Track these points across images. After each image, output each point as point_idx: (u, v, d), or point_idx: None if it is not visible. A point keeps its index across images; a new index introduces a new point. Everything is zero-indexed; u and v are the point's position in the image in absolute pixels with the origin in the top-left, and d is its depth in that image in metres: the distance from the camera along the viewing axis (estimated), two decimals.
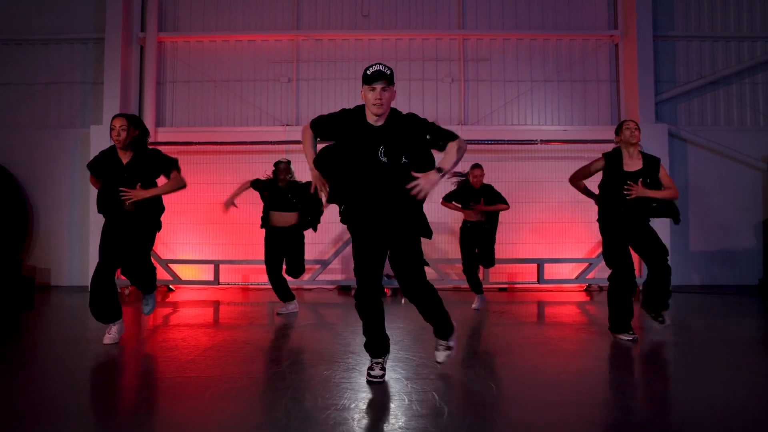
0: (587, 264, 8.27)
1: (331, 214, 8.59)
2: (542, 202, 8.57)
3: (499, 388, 3.13)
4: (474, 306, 6.28)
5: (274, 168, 6.04)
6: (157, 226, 4.52)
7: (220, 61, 9.26)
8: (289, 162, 6.06)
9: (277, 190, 5.90)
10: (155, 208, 4.45)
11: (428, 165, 3.14)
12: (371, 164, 3.08)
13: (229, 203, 6.00)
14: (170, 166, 4.46)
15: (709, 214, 8.97)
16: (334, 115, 3.23)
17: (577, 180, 4.77)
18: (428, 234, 3.25)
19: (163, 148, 8.65)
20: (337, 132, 3.21)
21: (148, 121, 8.91)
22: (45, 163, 9.01)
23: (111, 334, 4.23)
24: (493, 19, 9.23)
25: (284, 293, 5.94)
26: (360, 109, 3.18)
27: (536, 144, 8.47)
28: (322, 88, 9.19)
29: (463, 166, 7.31)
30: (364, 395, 2.98)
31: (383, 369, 3.27)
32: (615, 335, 4.42)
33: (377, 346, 3.29)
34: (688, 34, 9.16)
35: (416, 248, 3.19)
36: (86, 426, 2.53)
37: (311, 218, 5.93)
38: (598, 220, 4.59)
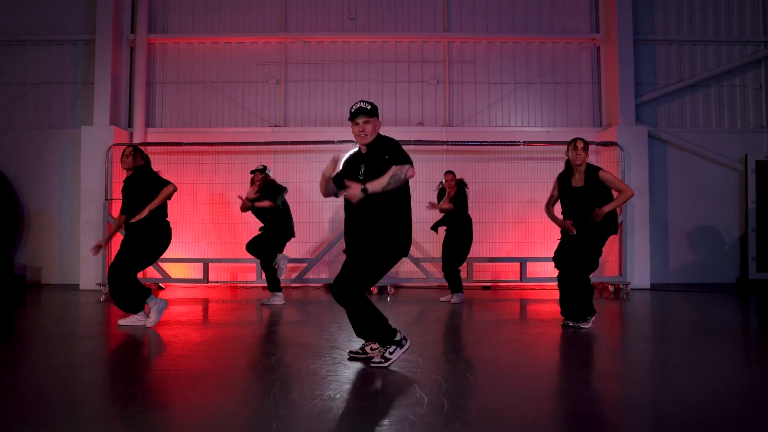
0: None
1: (318, 213, 8.75)
2: (525, 201, 8.78)
3: (477, 380, 3.31)
4: (450, 300, 6.82)
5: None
6: (146, 240, 4.97)
7: (209, 63, 9.38)
8: (265, 167, 6.59)
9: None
10: (147, 222, 4.92)
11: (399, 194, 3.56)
12: (352, 181, 3.44)
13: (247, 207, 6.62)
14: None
15: (687, 214, 9.24)
16: (343, 165, 3.78)
17: (548, 207, 5.15)
18: (388, 250, 3.52)
19: (152, 149, 8.86)
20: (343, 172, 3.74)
21: (138, 121, 9.01)
22: (36, 163, 9.08)
23: (151, 317, 5.02)
24: (477, 22, 9.43)
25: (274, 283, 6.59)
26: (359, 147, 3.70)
27: (519, 145, 8.67)
28: (309, 90, 9.33)
29: (455, 169, 7.52)
30: (349, 386, 3.14)
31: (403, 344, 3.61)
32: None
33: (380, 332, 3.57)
34: (668, 38, 9.43)
35: (365, 263, 3.48)
36: (80, 419, 2.64)
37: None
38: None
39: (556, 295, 7.89)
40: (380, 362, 3.51)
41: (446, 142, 8.77)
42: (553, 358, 4.03)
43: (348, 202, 3.52)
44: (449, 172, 6.82)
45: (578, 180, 4.82)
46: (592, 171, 4.78)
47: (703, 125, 9.42)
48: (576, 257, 4.82)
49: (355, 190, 3.30)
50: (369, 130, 3.50)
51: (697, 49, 9.48)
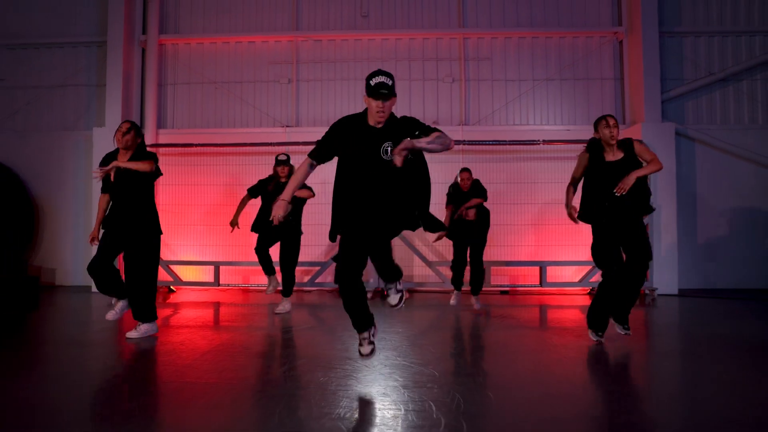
0: (591, 267, 8.14)
1: (330, 215, 8.53)
2: (544, 203, 8.48)
3: (498, 400, 3.06)
4: (452, 302, 6.58)
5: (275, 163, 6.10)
6: (153, 234, 4.67)
7: (221, 63, 9.24)
8: (288, 157, 6.12)
9: (281, 186, 5.81)
10: (147, 214, 4.65)
11: (421, 164, 3.41)
12: (374, 162, 3.28)
13: (235, 223, 6.21)
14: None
15: (717, 216, 8.84)
16: (329, 132, 3.42)
17: (571, 185, 4.63)
18: (417, 225, 3.43)
19: (164, 150, 8.74)
20: (338, 143, 3.38)
21: (150, 122, 8.92)
22: (50, 165, 9.06)
23: (115, 311, 4.66)
24: (493, 17, 9.15)
25: (268, 268, 6.15)
26: (360, 115, 3.39)
27: (538, 144, 8.38)
28: (321, 89, 9.14)
29: (472, 169, 7.27)
30: (360, 404, 2.93)
31: (372, 343, 3.49)
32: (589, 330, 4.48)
33: (362, 321, 3.50)
34: (696, 29, 9.01)
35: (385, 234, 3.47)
36: None
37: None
38: (579, 217, 4.43)
39: (577, 300, 7.69)
40: (399, 297, 3.71)
41: (462, 142, 8.52)
42: (581, 376, 3.75)
43: (361, 187, 3.33)
44: (465, 170, 6.42)
45: (614, 155, 4.31)
46: (626, 143, 4.32)
47: (734, 121, 9.00)
48: (630, 248, 4.24)
49: (406, 142, 3.07)
50: (388, 108, 3.27)
51: (727, 41, 9.07)
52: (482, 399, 3.05)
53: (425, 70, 9.13)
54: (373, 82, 3.21)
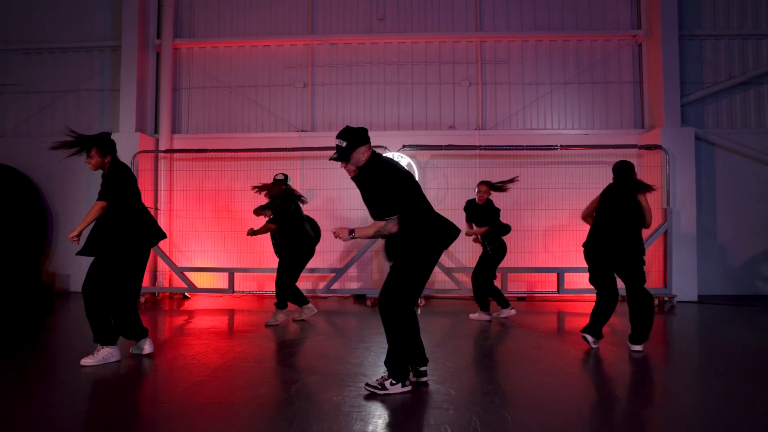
0: None
1: (346, 222, 8.48)
2: (562, 209, 8.34)
3: (517, 422, 2.97)
4: (473, 317, 6.45)
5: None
6: (107, 250, 4.19)
7: (235, 67, 9.22)
8: (286, 176, 6.08)
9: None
10: (106, 229, 4.20)
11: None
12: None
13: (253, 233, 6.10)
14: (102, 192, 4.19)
15: (738, 221, 8.64)
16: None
17: (586, 215, 5.02)
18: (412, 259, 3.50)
19: (178, 155, 8.73)
20: None
21: (164, 127, 8.92)
22: (63, 171, 9.03)
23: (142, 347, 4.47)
24: (511, 20, 9.02)
25: (300, 299, 6.16)
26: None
27: (556, 149, 8.23)
28: (337, 93, 9.08)
29: (489, 175, 7.15)
30: (373, 428, 2.85)
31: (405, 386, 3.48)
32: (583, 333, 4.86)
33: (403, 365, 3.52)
34: (716, 32, 8.84)
35: (397, 275, 3.48)
36: None
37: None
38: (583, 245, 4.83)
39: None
40: (376, 387, 3.43)
41: (479, 147, 8.40)
42: (604, 395, 3.65)
43: None
44: (483, 183, 6.25)
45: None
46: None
47: (755, 126, 8.79)
48: (621, 274, 4.68)
49: (343, 233, 3.46)
50: (351, 170, 3.51)
51: (748, 44, 8.86)
52: (499, 421, 2.95)
53: (442, 73, 9.02)
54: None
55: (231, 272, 7.98)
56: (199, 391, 3.50)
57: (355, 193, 5.58)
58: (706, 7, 8.88)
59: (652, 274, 7.86)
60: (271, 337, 5.43)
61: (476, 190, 6.28)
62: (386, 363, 3.50)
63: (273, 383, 3.78)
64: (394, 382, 3.42)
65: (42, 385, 3.66)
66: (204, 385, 3.63)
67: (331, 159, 3.51)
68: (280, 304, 6.01)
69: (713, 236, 8.64)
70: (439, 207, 4.16)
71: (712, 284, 8.53)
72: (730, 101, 8.85)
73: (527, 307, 7.55)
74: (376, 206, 3.44)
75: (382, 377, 3.52)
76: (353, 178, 3.56)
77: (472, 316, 6.41)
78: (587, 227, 4.92)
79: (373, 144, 8.23)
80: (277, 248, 6.06)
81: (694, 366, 4.39)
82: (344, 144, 3.41)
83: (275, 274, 6.05)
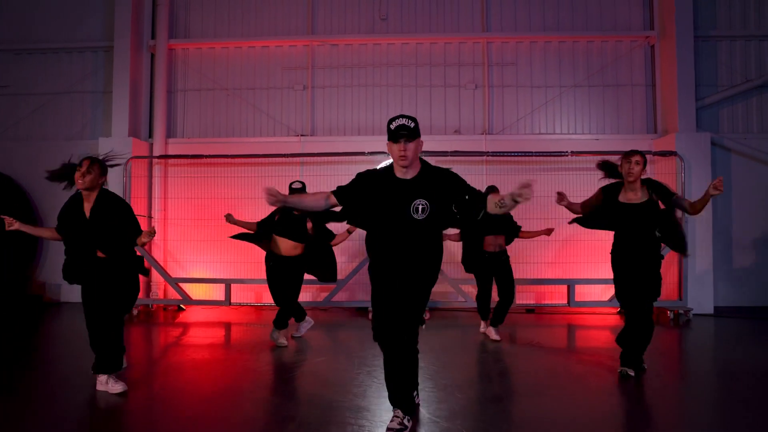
0: None
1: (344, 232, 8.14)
2: (572, 218, 7.99)
3: None
4: (482, 330, 6.10)
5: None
6: (130, 284, 4.13)
7: (233, 69, 8.89)
8: (303, 185, 5.53)
9: (291, 216, 5.45)
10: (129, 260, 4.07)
11: (448, 221, 3.17)
12: (401, 220, 3.05)
13: (233, 221, 5.82)
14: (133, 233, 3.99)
15: (756, 230, 8.32)
16: (354, 182, 3.21)
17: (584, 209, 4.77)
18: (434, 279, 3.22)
19: (173, 161, 8.41)
20: (362, 196, 3.16)
21: (159, 132, 8.60)
22: None
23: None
24: (518, 20, 8.69)
25: (298, 314, 5.79)
26: (387, 168, 3.18)
27: (566, 155, 7.91)
28: (338, 96, 8.75)
29: (496, 182, 6.83)
30: None
31: (404, 427, 3.05)
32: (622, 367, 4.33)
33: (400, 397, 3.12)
34: (732, 33, 8.51)
35: (420, 298, 3.12)
36: None
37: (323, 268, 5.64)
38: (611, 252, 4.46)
39: (607, 321, 7.23)
40: (401, 429, 3.03)
41: (486, 153, 8.07)
42: (618, 419, 3.35)
43: (389, 244, 3.12)
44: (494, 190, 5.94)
45: (634, 196, 4.30)
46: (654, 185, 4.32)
47: None
48: (645, 287, 4.22)
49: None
50: (411, 151, 3.02)
51: (764, 45, 8.54)
52: None
53: (447, 75, 8.69)
54: (392, 126, 3.03)
55: (228, 283, 7.66)
56: (188, 427, 3.19)
57: None
58: (721, 7, 8.56)
59: (667, 285, 7.51)
60: (269, 358, 5.09)
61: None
62: (400, 402, 3.09)
63: (270, 419, 3.45)
64: (410, 418, 3.12)
65: (19, 411, 3.34)
66: (194, 421, 3.31)
67: (400, 133, 2.99)
68: (284, 324, 5.59)
69: (729, 246, 8.32)
70: None
71: (729, 295, 8.22)
72: (746, 105, 8.52)
73: (536, 320, 7.24)
74: (468, 200, 3.03)
75: (398, 418, 3.08)
76: (407, 184, 3.06)
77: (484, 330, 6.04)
78: (599, 237, 4.58)
79: (375, 150, 7.97)
80: (303, 265, 5.57)
81: (712, 389, 4.06)
82: (412, 124, 3.03)
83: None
